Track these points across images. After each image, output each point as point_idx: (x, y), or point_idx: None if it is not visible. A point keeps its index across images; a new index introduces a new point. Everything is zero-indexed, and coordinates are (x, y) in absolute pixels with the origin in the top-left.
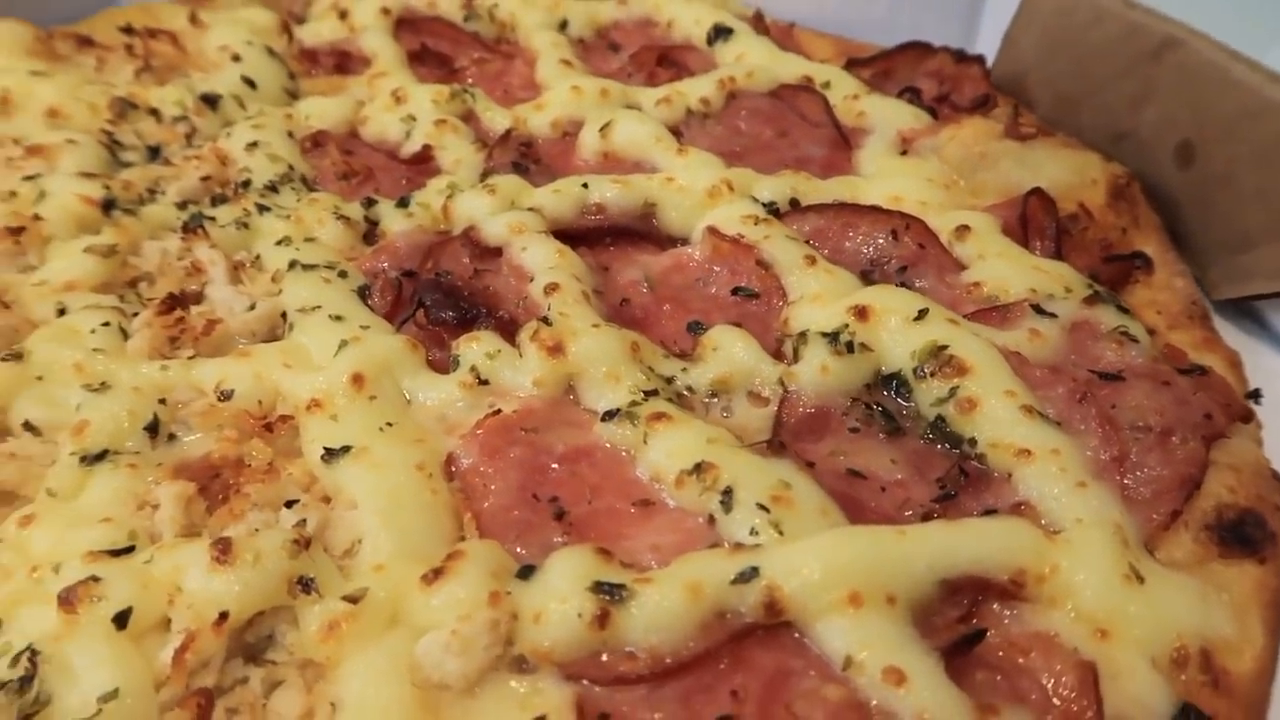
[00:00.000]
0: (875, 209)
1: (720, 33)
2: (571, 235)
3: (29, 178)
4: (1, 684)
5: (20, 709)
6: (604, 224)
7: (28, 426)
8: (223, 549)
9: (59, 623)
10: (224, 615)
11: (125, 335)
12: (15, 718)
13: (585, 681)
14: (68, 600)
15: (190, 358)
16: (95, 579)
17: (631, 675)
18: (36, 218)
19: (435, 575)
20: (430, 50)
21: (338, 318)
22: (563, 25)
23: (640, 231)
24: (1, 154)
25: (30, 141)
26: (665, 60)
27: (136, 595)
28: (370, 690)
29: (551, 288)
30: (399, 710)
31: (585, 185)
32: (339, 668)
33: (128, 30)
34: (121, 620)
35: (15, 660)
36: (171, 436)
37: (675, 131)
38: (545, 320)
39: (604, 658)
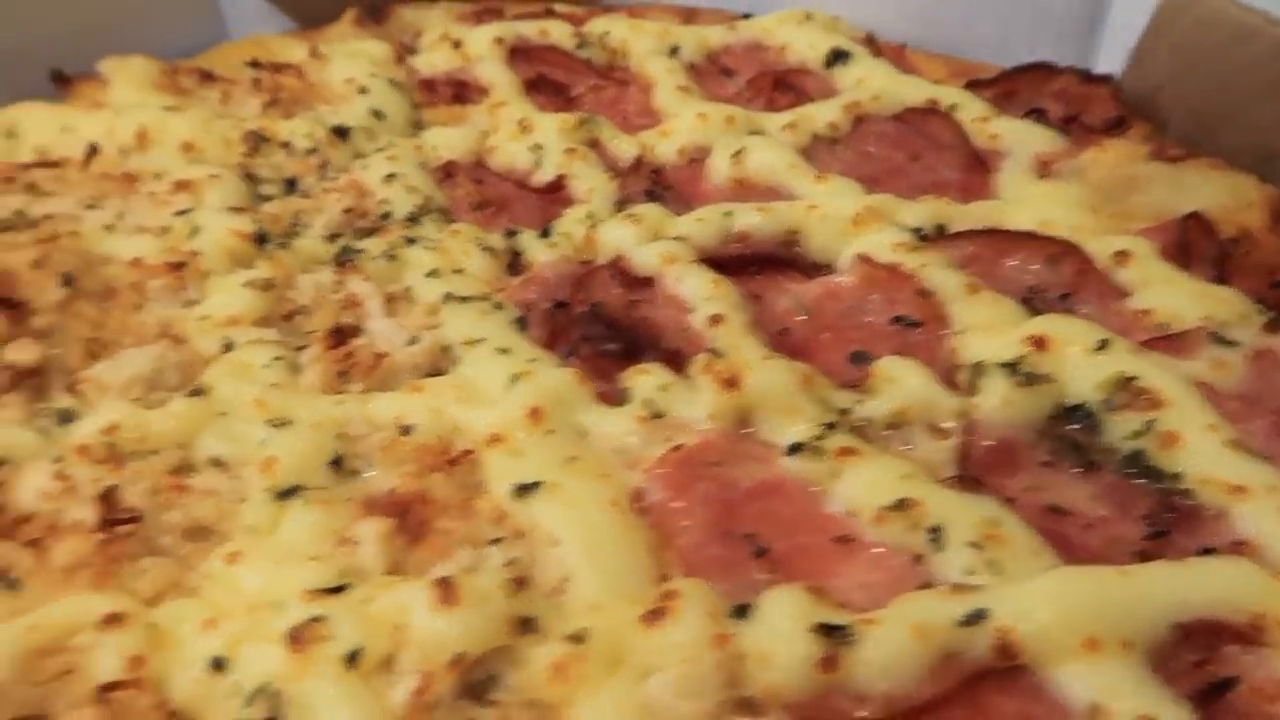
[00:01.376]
0: (1029, 235)
1: (838, 56)
2: (715, 263)
3: (180, 213)
4: None
5: None
6: (747, 252)
7: (215, 463)
8: (446, 590)
9: (289, 662)
10: (460, 657)
11: (294, 369)
12: None
13: None
14: (297, 640)
15: (361, 392)
16: (319, 619)
17: (867, 719)
18: (194, 253)
19: (655, 616)
20: (546, 78)
21: (504, 350)
22: (674, 51)
23: (784, 259)
24: (144, 189)
25: (176, 177)
26: (782, 85)
27: (361, 634)
28: None
29: (716, 319)
30: None
31: (729, 214)
32: (570, 708)
33: (254, 65)
34: (352, 659)
35: (251, 700)
36: (354, 472)
37: (803, 157)
38: (715, 352)
39: (835, 700)
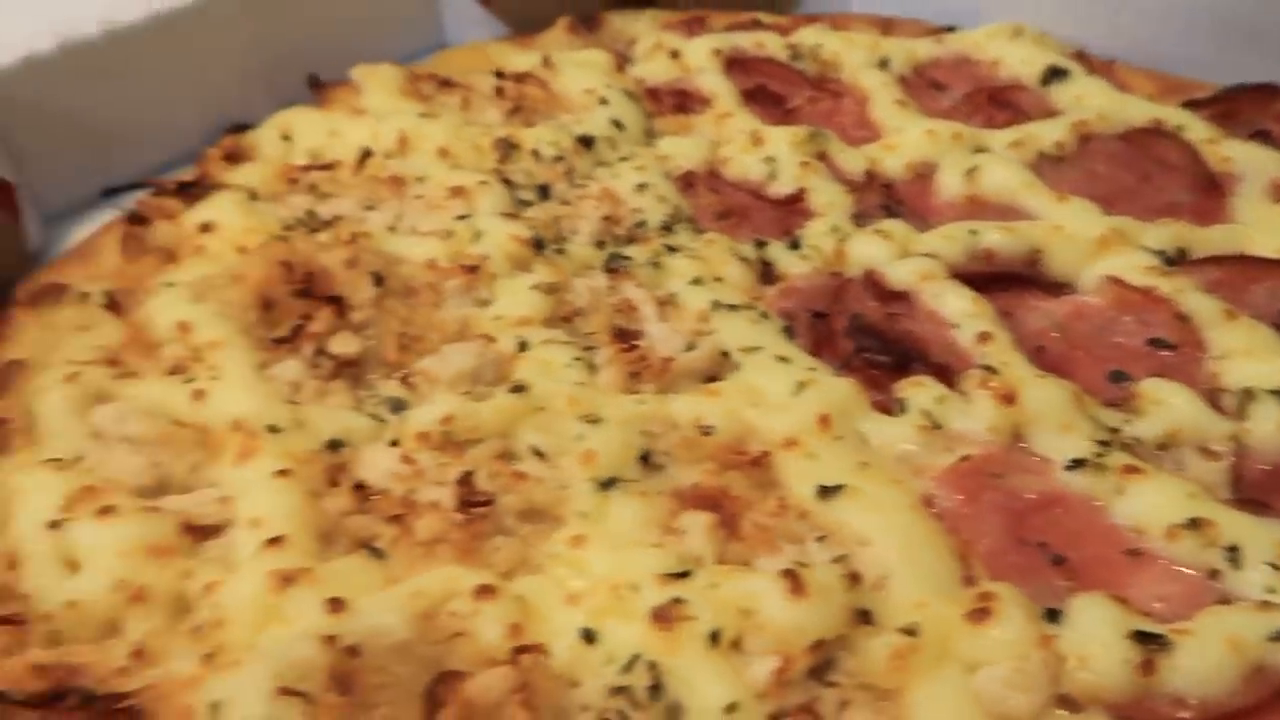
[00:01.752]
0: (1277, 262)
1: (1055, 74)
2: (963, 280)
3: (460, 217)
4: (621, 688)
5: (664, 717)
6: (992, 270)
7: (535, 453)
8: (794, 582)
9: (658, 638)
10: (819, 643)
11: (591, 369)
12: None
13: None
14: (662, 618)
15: (653, 393)
16: (679, 600)
17: None
18: (484, 257)
19: (980, 615)
20: (764, 89)
21: (783, 359)
22: (883, 63)
23: (1026, 277)
24: (411, 192)
25: (442, 181)
26: (998, 101)
27: (716, 617)
28: (948, 718)
29: (985, 336)
30: None
31: (974, 231)
32: (905, 695)
33: (498, 74)
34: (714, 638)
35: (628, 668)
36: (659, 466)
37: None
38: (988, 369)
39: (1153, 702)
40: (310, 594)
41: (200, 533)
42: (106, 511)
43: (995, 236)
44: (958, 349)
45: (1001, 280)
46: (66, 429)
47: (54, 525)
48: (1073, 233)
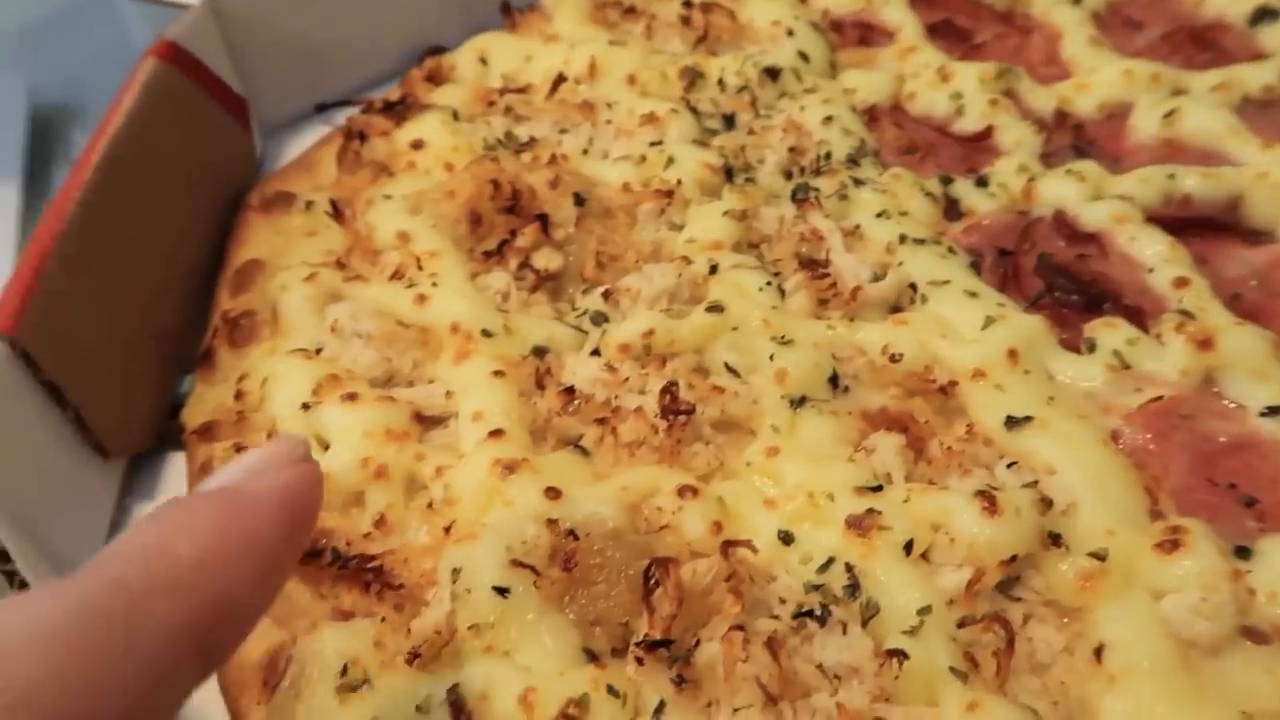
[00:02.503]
0: None
1: (1265, 15)
2: (1155, 223)
3: (653, 144)
4: (818, 586)
5: (861, 613)
6: (1188, 215)
7: (728, 369)
8: (990, 501)
9: (855, 544)
10: (1012, 559)
11: (780, 294)
12: (860, 619)
13: None
14: (859, 527)
15: (840, 319)
16: (874, 511)
17: None
18: (678, 182)
19: (1171, 545)
20: (950, 24)
21: (972, 294)
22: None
23: (1224, 224)
24: (601, 118)
25: (633, 108)
26: (1200, 41)
27: (910, 529)
28: (1136, 637)
29: (1181, 281)
30: (1163, 657)
31: (1172, 175)
32: (1092, 614)
33: (686, 3)
34: (908, 548)
35: (825, 568)
36: (846, 389)
37: None
38: (1185, 313)
39: None
40: (530, 481)
41: (428, 422)
42: (350, 398)
43: (1193, 181)
44: (1152, 293)
45: (1197, 226)
46: (307, 323)
47: (306, 407)
48: (1278, 180)
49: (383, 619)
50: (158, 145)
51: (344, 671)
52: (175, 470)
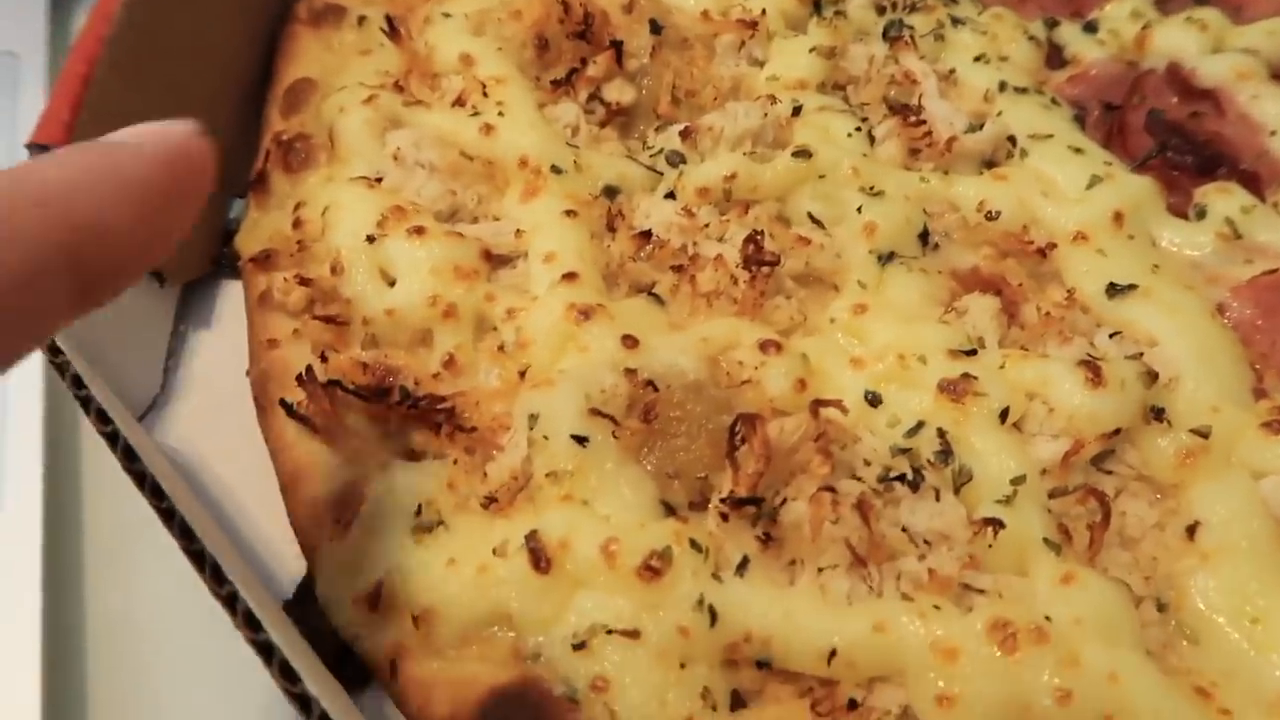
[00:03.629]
0: None
1: None
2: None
3: None
4: (905, 449)
5: (953, 479)
6: None
7: (811, 219)
8: (1094, 372)
9: (948, 409)
10: (1115, 431)
11: (869, 140)
12: (951, 486)
13: None
14: (952, 390)
15: (931, 171)
16: (969, 376)
17: None
18: (763, 12)
19: (1277, 426)
20: None
21: (1077, 150)
22: None
23: None
24: None
25: None
26: None
27: (1005, 396)
28: (1233, 516)
29: None
30: (1262, 538)
31: None
32: (1188, 491)
33: None
34: (1003, 416)
35: (914, 431)
36: (936, 246)
37: None
38: None
39: None
40: (606, 328)
41: (496, 260)
42: (418, 231)
43: None
44: (1271, 158)
45: None
46: (367, 150)
47: (370, 239)
48: None
49: (455, 461)
50: None
51: (418, 512)
52: (230, 297)
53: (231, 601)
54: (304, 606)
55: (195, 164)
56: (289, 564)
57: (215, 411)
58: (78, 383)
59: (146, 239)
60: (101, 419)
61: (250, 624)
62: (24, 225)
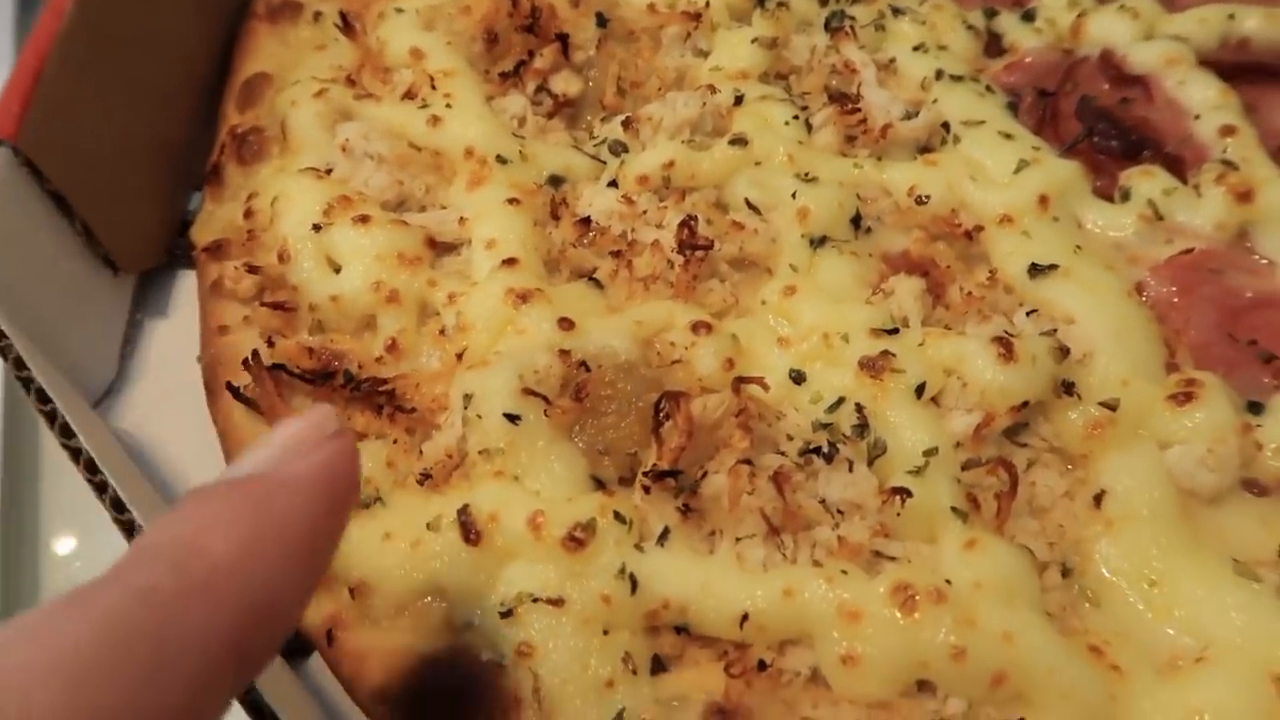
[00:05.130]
0: None
1: None
2: (1207, 67)
3: None
4: (826, 424)
5: (868, 451)
6: (1244, 60)
7: (748, 204)
8: (1006, 348)
9: (867, 385)
10: (1023, 405)
11: (805, 128)
12: (866, 458)
13: None
14: (871, 368)
15: (868, 158)
16: (888, 353)
17: None
18: (706, 4)
19: (1184, 398)
20: None
21: (1007, 136)
22: None
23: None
24: None
25: None
26: None
27: (923, 372)
28: (1137, 485)
29: (1228, 130)
30: (1162, 505)
31: (1232, 16)
32: (1097, 462)
33: None
34: (919, 391)
35: (835, 407)
36: (868, 230)
37: None
38: (1227, 163)
39: None
40: (543, 311)
41: (441, 248)
42: (363, 220)
43: (1254, 23)
44: (1195, 141)
45: (1250, 72)
46: (318, 142)
47: (317, 228)
48: None
49: (394, 441)
50: None
51: None
52: (186, 287)
53: None
54: None
55: (350, 480)
56: None
57: (169, 397)
58: (19, 364)
59: (310, 588)
60: (41, 399)
61: None
62: (191, 628)
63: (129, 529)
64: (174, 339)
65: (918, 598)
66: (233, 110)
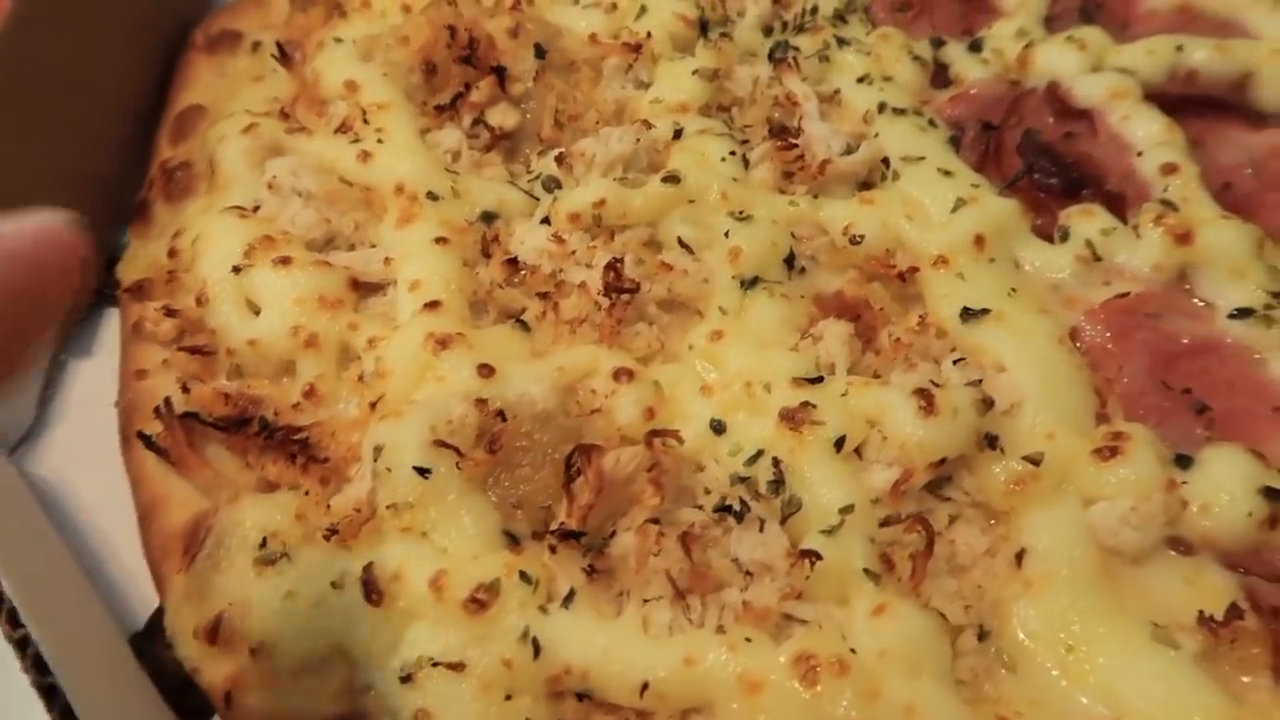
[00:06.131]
0: None
1: None
2: (1155, 102)
3: None
4: (744, 478)
5: (781, 509)
6: (1192, 93)
7: (680, 243)
8: (928, 400)
9: (785, 437)
10: (942, 460)
11: (743, 164)
12: (778, 517)
13: (1243, 570)
14: (791, 420)
15: (804, 194)
16: (809, 404)
17: None
18: (648, 35)
19: (1109, 452)
20: None
21: (947, 173)
22: None
23: (1228, 104)
24: None
25: None
26: None
27: (843, 423)
28: (1058, 544)
29: (1170, 168)
30: (1083, 565)
31: (1180, 48)
32: (1019, 518)
33: None
34: (839, 445)
35: (753, 460)
36: (802, 270)
37: None
38: (1167, 203)
39: (1269, 555)
40: (463, 357)
41: (365, 289)
42: (284, 261)
43: (1203, 55)
44: (1137, 179)
45: (1198, 105)
46: (245, 178)
47: (237, 270)
48: None
49: (306, 492)
50: None
51: (263, 544)
52: (113, 326)
53: (23, 645)
54: (151, 639)
55: (63, 263)
56: (149, 596)
57: (89, 441)
58: None
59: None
60: None
61: (39, 667)
62: None
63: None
64: (97, 380)
65: (819, 669)
66: (165, 143)
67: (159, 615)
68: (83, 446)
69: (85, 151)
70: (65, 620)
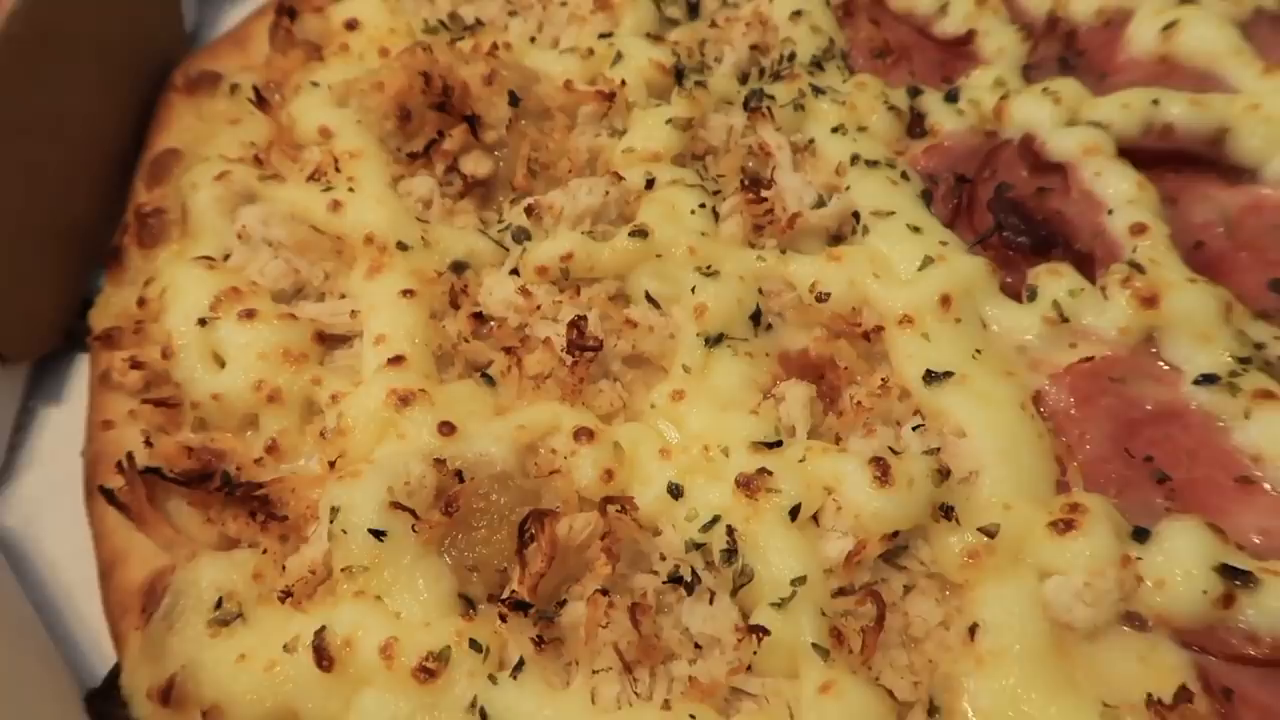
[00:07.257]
0: None
1: None
2: (1130, 156)
3: (602, 35)
4: (699, 545)
5: (733, 580)
6: (1167, 148)
7: (648, 298)
8: (882, 470)
9: (742, 505)
10: (896, 533)
11: (713, 216)
12: (730, 588)
13: (1197, 649)
14: (748, 487)
15: (774, 248)
16: (766, 471)
17: (1256, 658)
18: (621, 83)
19: (1066, 526)
20: None
21: (916, 229)
22: None
23: (1204, 159)
24: (563, 10)
25: None
26: None
27: (800, 491)
28: (1011, 619)
29: (1139, 229)
30: (1036, 641)
31: (1156, 101)
32: (974, 591)
33: None
34: (794, 513)
35: (708, 527)
36: (769, 326)
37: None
38: (1135, 265)
39: (1224, 634)
40: (425, 415)
41: (331, 341)
42: (249, 314)
43: (1179, 109)
44: (1107, 238)
45: (1173, 160)
46: (216, 226)
47: (203, 323)
48: (1270, 113)
49: (264, 550)
50: (69, 15)
51: (218, 604)
52: (84, 373)
53: None
54: (107, 698)
55: None
56: (109, 652)
57: (56, 491)
58: None
59: None
60: None
61: None
62: None
63: None
64: (67, 427)
65: None
66: (141, 187)
67: (116, 673)
68: (51, 496)
69: (58, 201)
70: (20, 679)
